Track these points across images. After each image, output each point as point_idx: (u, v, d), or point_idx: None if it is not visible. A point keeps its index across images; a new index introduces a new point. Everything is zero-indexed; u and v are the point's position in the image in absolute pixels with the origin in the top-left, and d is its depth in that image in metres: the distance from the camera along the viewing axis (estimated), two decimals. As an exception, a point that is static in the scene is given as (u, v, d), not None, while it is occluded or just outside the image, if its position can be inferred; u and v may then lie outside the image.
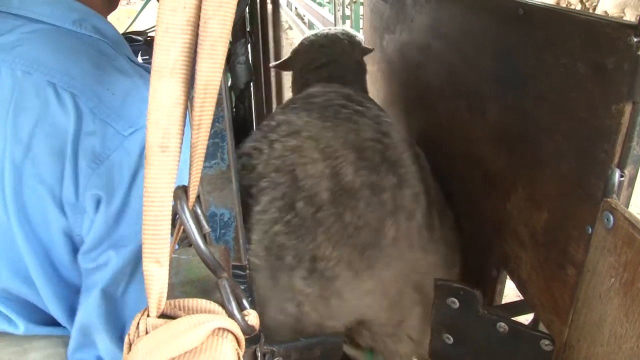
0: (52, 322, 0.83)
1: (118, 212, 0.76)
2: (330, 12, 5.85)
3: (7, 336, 0.79)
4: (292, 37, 5.42)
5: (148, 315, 0.42)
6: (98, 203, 0.75)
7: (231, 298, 0.43)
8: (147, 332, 0.41)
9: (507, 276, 0.99)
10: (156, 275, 0.41)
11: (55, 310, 0.80)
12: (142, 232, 0.41)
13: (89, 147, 0.75)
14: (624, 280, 0.59)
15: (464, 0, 1.08)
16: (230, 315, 0.43)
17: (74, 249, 0.79)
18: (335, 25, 4.36)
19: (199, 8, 0.42)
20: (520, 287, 0.92)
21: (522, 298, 0.92)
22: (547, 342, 0.81)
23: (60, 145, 0.75)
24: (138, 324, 0.42)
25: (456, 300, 0.89)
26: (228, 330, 0.41)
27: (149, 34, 2.11)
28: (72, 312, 0.80)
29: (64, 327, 0.82)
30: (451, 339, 0.93)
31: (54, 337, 0.81)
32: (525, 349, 0.84)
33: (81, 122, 0.76)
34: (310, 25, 5.99)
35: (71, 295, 0.81)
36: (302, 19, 6.66)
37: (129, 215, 0.77)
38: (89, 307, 0.76)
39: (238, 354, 0.41)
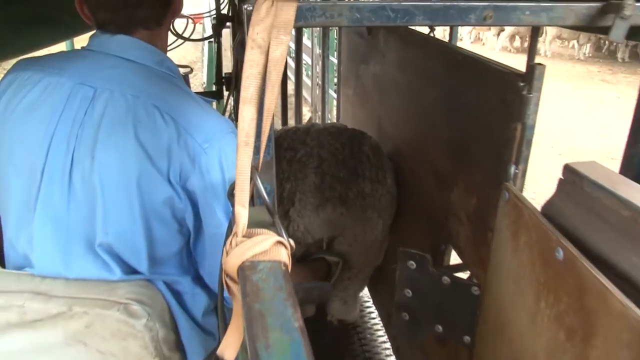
0: (135, 272, 1.16)
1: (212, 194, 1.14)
2: (308, 38, 6.25)
3: (103, 281, 1.12)
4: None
5: (236, 236, 0.74)
6: (195, 189, 1.13)
7: (282, 228, 0.76)
8: (236, 245, 0.74)
9: (452, 248, 1.34)
10: (242, 213, 0.74)
11: (141, 263, 1.15)
12: (235, 189, 0.74)
13: (184, 151, 1.11)
14: (513, 233, 0.95)
15: (421, 46, 1.44)
16: (282, 237, 0.76)
17: (176, 216, 1.14)
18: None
19: (265, 65, 0.76)
20: (460, 253, 1.27)
21: (461, 262, 1.28)
22: (475, 288, 1.16)
23: (167, 146, 1.10)
24: (231, 241, 0.74)
25: (413, 263, 1.23)
26: (282, 244, 0.74)
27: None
28: (152, 263, 1.14)
29: (144, 274, 1.16)
30: (410, 292, 1.27)
31: (136, 281, 1.14)
32: (461, 294, 1.18)
33: (178, 133, 1.10)
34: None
35: (155, 252, 1.15)
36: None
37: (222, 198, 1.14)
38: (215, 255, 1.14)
39: (289, 256, 0.74)
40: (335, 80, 2.60)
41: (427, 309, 1.27)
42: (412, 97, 1.53)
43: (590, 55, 13.21)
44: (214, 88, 2.63)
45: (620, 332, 0.67)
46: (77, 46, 1.41)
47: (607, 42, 13.01)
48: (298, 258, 1.67)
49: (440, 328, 1.27)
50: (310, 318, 1.75)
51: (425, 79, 1.43)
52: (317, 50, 5.57)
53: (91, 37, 1.24)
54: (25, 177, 1.15)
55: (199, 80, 7.41)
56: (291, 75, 4.61)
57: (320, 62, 4.42)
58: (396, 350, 1.80)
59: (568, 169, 0.89)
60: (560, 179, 0.91)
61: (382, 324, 2.13)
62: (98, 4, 1.19)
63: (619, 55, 12.40)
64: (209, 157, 1.12)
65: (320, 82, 3.97)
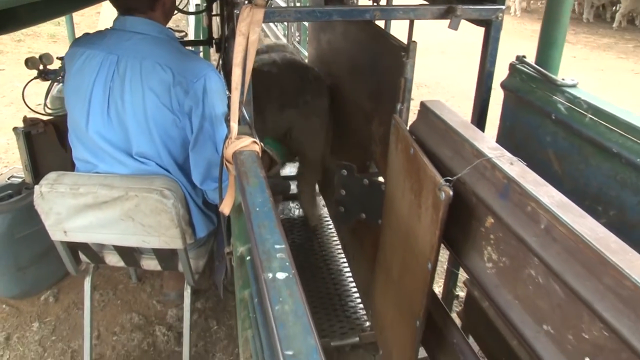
0: (163, 170, 1.79)
1: (202, 112, 1.73)
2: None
3: (145, 176, 1.75)
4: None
5: (231, 139, 1.36)
6: (191, 109, 1.72)
7: (256, 135, 1.39)
8: (231, 143, 1.35)
9: (374, 163, 1.99)
10: (234, 127, 1.36)
11: (165, 165, 1.77)
12: (230, 115, 1.36)
13: (179, 87, 1.71)
14: (395, 145, 1.58)
15: (357, 25, 2.06)
16: (256, 139, 1.38)
17: (182, 132, 1.76)
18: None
19: (246, 45, 1.36)
20: (376, 165, 1.92)
21: (377, 170, 1.92)
22: (383, 185, 1.80)
23: (168, 87, 1.70)
24: (228, 141, 1.36)
25: (345, 171, 1.87)
26: (256, 143, 1.36)
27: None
28: (172, 166, 1.77)
29: (171, 173, 1.79)
30: (344, 192, 1.91)
31: (165, 176, 1.77)
32: (375, 191, 1.83)
33: (174, 77, 1.71)
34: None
35: (177, 155, 1.78)
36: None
37: (207, 112, 1.74)
38: (209, 154, 1.75)
39: (260, 149, 1.36)
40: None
41: (355, 203, 1.92)
42: (349, 58, 2.16)
43: (559, 14, 13.75)
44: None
45: (430, 186, 1.31)
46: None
47: (575, 2, 13.58)
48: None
49: (363, 215, 1.92)
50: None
51: (357, 46, 2.05)
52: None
53: (114, 20, 1.84)
54: (79, 112, 1.76)
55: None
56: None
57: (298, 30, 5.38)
58: (338, 230, 2.52)
59: (422, 104, 1.53)
60: (419, 110, 1.55)
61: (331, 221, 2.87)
62: None
63: (584, 15, 12.97)
64: (197, 86, 1.73)
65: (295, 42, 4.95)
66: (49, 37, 7.83)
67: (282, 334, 0.80)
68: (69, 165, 1.94)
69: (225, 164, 1.40)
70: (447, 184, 1.23)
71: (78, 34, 2.07)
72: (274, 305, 0.86)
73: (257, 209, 1.11)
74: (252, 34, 1.36)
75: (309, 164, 2.61)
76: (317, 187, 3.02)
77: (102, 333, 2.32)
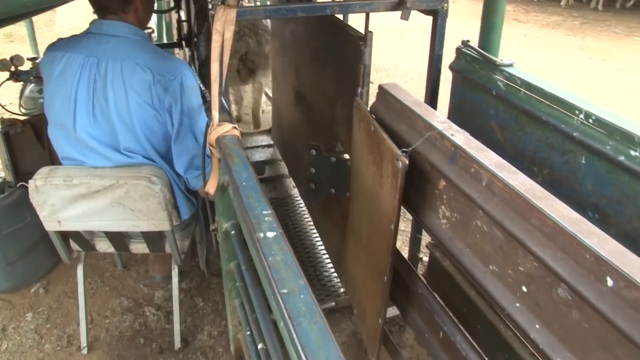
0: (149, 160, 1.95)
1: (181, 107, 1.89)
2: None
3: (133, 166, 1.90)
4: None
5: (213, 126, 1.54)
6: (171, 105, 1.88)
7: (235, 122, 1.56)
8: (214, 129, 1.53)
9: (339, 143, 2.18)
10: (215, 115, 1.53)
11: (151, 156, 1.93)
12: (211, 101, 1.53)
13: (159, 86, 1.86)
14: (358, 124, 1.78)
15: (319, 16, 2.24)
16: (236, 125, 1.56)
17: (163, 127, 1.92)
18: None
19: (222, 42, 1.54)
20: (341, 144, 2.11)
21: (342, 149, 2.12)
22: (349, 162, 2.00)
23: (148, 86, 1.86)
24: (211, 128, 1.53)
25: (314, 151, 2.06)
26: (236, 128, 1.54)
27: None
28: (157, 156, 1.93)
29: (156, 162, 1.95)
30: (313, 169, 2.10)
31: (151, 165, 1.93)
32: (342, 167, 2.03)
33: (153, 76, 1.86)
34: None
35: (159, 147, 1.94)
36: None
37: (186, 107, 1.90)
38: (190, 146, 1.91)
39: (239, 133, 1.54)
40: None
41: (324, 180, 2.11)
42: (311, 48, 2.35)
43: (510, -6, 14.17)
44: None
45: (389, 157, 1.51)
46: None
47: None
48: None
49: (332, 190, 2.11)
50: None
51: (319, 37, 2.24)
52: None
53: (91, 23, 1.98)
54: (64, 113, 1.90)
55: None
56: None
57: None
58: (309, 207, 2.74)
59: (380, 87, 1.73)
60: (377, 93, 1.75)
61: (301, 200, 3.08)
62: None
63: (534, -6, 13.39)
64: (175, 84, 1.89)
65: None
66: (5, 36, 7.76)
67: (277, 278, 1.00)
68: (48, 163, 2.06)
69: (210, 148, 1.58)
70: (404, 154, 1.43)
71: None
72: (267, 257, 1.06)
73: (244, 183, 1.30)
74: (227, 32, 1.53)
75: (259, 75, 3.89)
76: (286, 169, 3.24)
77: (95, 317, 2.47)
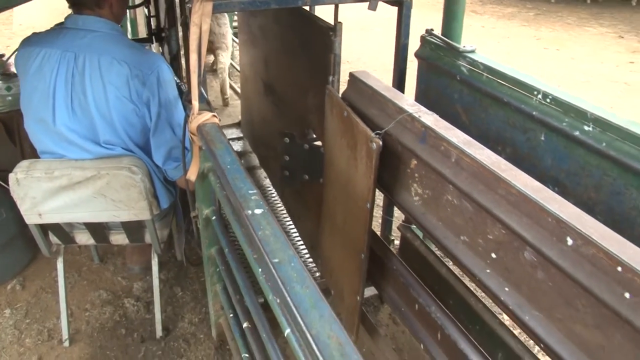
0: (129, 152, 1.99)
1: (158, 100, 1.94)
2: None
3: (113, 157, 1.95)
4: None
5: (194, 114, 1.60)
6: (149, 99, 1.92)
7: (214, 111, 1.63)
8: (194, 118, 1.59)
9: (312, 130, 2.26)
10: (195, 104, 1.59)
11: (130, 148, 1.98)
12: (190, 91, 1.59)
13: (137, 80, 1.91)
14: (330, 111, 1.86)
15: (288, 8, 2.32)
16: (215, 114, 1.62)
17: (142, 120, 1.96)
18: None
19: (199, 33, 1.60)
20: (314, 132, 2.20)
21: (315, 136, 2.20)
22: (322, 149, 2.08)
23: (126, 80, 1.90)
24: (191, 117, 1.59)
25: (287, 139, 2.13)
26: (215, 116, 1.60)
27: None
28: (136, 147, 1.97)
29: (136, 153, 1.99)
30: (287, 157, 2.18)
31: (131, 156, 1.98)
32: (315, 154, 2.11)
33: (131, 71, 1.91)
34: None
35: (137, 140, 1.98)
36: None
37: (163, 100, 1.95)
38: (169, 137, 1.96)
39: (218, 120, 1.61)
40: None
41: (298, 166, 2.19)
42: (283, 40, 2.42)
43: (465, -13, 14.45)
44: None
45: (363, 140, 1.60)
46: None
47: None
48: None
49: (306, 177, 2.19)
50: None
51: (288, 29, 2.31)
52: None
53: (66, 18, 2.00)
54: (43, 108, 1.93)
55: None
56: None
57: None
58: (281, 196, 2.82)
59: (351, 75, 1.81)
60: (348, 80, 1.83)
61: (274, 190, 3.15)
62: None
63: (489, -14, 13.70)
64: (152, 78, 1.93)
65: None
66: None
67: (268, 249, 1.07)
68: (19, 159, 2.07)
69: (191, 137, 1.64)
70: (377, 136, 1.52)
71: None
72: (257, 232, 1.13)
73: (228, 166, 1.37)
74: (204, 24, 1.59)
75: (220, 55, 4.56)
76: (257, 160, 3.32)
77: (75, 311, 2.49)
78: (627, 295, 0.99)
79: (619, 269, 1.00)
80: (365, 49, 7.55)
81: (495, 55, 7.16)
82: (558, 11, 10.67)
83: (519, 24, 9.69)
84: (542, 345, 1.21)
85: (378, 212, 2.98)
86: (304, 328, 0.87)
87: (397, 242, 2.60)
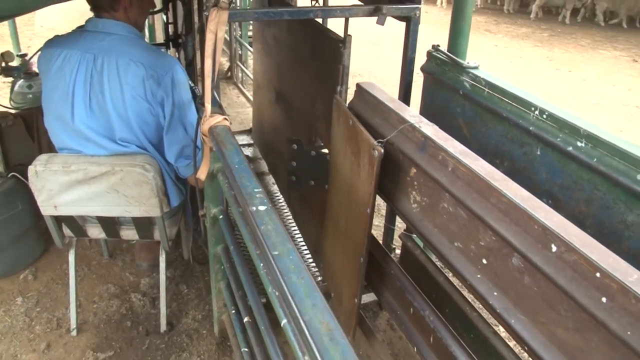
0: (143, 149, 2.08)
1: (172, 100, 2.03)
2: None
3: (128, 154, 2.03)
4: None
5: (206, 116, 1.68)
6: (163, 99, 2.02)
7: (226, 114, 1.71)
8: (206, 120, 1.67)
9: (319, 137, 2.34)
10: (208, 107, 1.68)
11: (144, 146, 2.06)
12: (204, 92, 1.68)
13: (152, 80, 2.00)
14: (337, 120, 1.94)
15: (300, 20, 2.41)
16: (226, 117, 1.71)
17: (156, 119, 2.05)
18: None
19: (215, 40, 1.69)
20: (321, 139, 2.27)
21: (322, 143, 2.28)
22: (328, 156, 2.16)
23: (142, 80, 1.99)
24: (203, 119, 1.68)
25: (295, 145, 2.21)
26: (226, 119, 1.69)
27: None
28: (150, 146, 2.06)
29: (149, 151, 2.08)
30: (295, 163, 2.25)
31: (145, 154, 2.06)
32: (322, 161, 2.18)
33: (146, 71, 2.00)
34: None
35: (152, 138, 2.07)
36: None
37: (176, 100, 2.04)
38: (181, 136, 2.04)
39: (229, 123, 1.69)
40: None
41: (305, 172, 2.26)
42: (295, 50, 2.51)
43: (482, 6, 14.56)
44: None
45: (366, 148, 1.67)
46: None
47: (496, -7, 14.43)
48: None
49: (312, 182, 2.27)
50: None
51: (300, 40, 2.40)
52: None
53: (87, 21, 2.11)
54: (63, 106, 2.02)
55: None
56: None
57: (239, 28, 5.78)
58: (288, 202, 2.89)
59: (358, 85, 1.89)
60: (355, 90, 1.91)
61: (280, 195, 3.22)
62: None
63: (505, 7, 13.80)
64: (167, 79, 2.03)
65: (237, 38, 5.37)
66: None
67: (269, 243, 1.15)
68: (37, 155, 2.15)
69: (202, 137, 1.72)
70: (379, 144, 1.59)
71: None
72: (260, 227, 1.21)
73: (237, 166, 1.45)
74: (220, 31, 1.68)
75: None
76: (266, 167, 3.40)
77: (83, 302, 2.57)
78: (604, 299, 1.06)
79: (598, 274, 1.06)
80: (378, 63, 7.65)
81: (507, 74, 7.23)
82: (572, 33, 10.73)
83: (532, 44, 9.76)
84: (526, 348, 1.28)
85: (381, 222, 3.05)
86: (298, 314, 0.95)
87: (398, 250, 2.67)
